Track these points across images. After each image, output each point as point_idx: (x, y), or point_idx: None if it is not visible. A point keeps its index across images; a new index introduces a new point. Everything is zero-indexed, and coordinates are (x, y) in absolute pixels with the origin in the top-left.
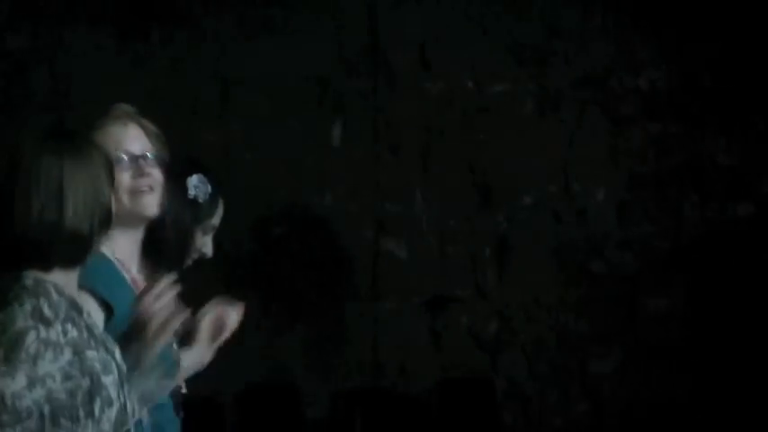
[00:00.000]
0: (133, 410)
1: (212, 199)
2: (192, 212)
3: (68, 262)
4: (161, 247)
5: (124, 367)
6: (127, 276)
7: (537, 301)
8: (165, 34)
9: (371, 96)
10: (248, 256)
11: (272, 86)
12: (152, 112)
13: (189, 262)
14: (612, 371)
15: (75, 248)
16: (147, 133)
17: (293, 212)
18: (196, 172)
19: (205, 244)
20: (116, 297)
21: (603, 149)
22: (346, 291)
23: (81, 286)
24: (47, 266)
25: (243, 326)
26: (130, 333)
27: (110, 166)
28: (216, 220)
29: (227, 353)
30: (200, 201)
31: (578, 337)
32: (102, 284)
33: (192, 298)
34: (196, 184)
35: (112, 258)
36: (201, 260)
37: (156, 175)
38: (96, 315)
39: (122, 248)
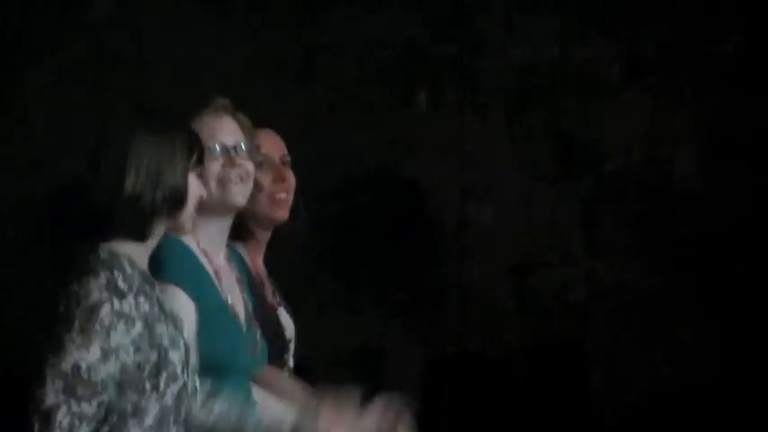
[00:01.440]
0: (195, 391)
1: None
2: None
3: (130, 233)
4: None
5: (190, 346)
6: (209, 267)
7: (623, 264)
8: (250, 2)
9: (457, 62)
10: (334, 224)
11: (357, 53)
12: (237, 77)
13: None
14: (699, 335)
15: (133, 221)
16: (242, 127)
17: (379, 179)
18: None
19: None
20: (199, 290)
21: (689, 115)
22: (433, 257)
23: (164, 278)
24: (113, 236)
25: (328, 291)
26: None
27: (190, 146)
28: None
29: (316, 321)
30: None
31: (665, 302)
32: (185, 277)
33: (279, 264)
34: None
35: (196, 249)
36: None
37: (247, 167)
38: (187, 307)
39: (209, 237)
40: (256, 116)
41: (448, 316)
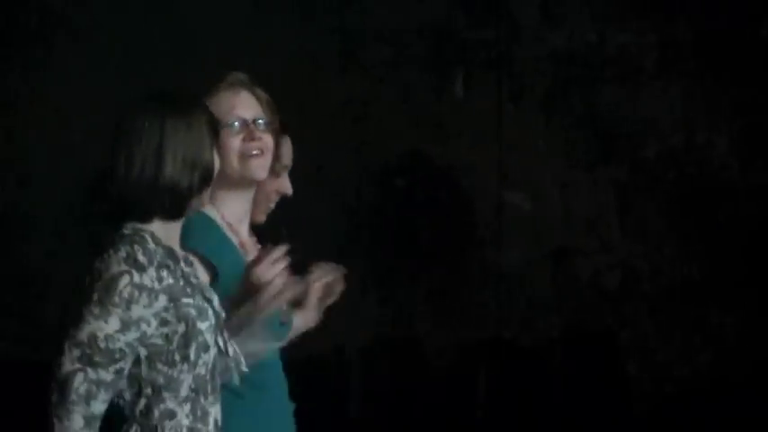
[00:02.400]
0: (236, 356)
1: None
2: None
3: (167, 215)
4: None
5: (223, 314)
6: (235, 239)
7: (660, 251)
8: None
9: (494, 48)
10: (371, 208)
11: (395, 38)
12: (274, 63)
13: (271, 206)
14: (737, 321)
15: (173, 203)
16: (259, 100)
17: (416, 164)
18: None
19: (281, 184)
20: (223, 260)
21: (726, 102)
22: (470, 242)
23: (189, 249)
24: (146, 219)
25: (366, 278)
26: (242, 296)
27: (213, 126)
28: (286, 160)
29: (352, 305)
30: None
31: (702, 288)
32: (210, 248)
33: (316, 249)
34: None
35: (221, 222)
36: (323, 209)
37: (266, 140)
38: (203, 277)
39: (232, 211)
40: (293, 102)
41: (484, 302)
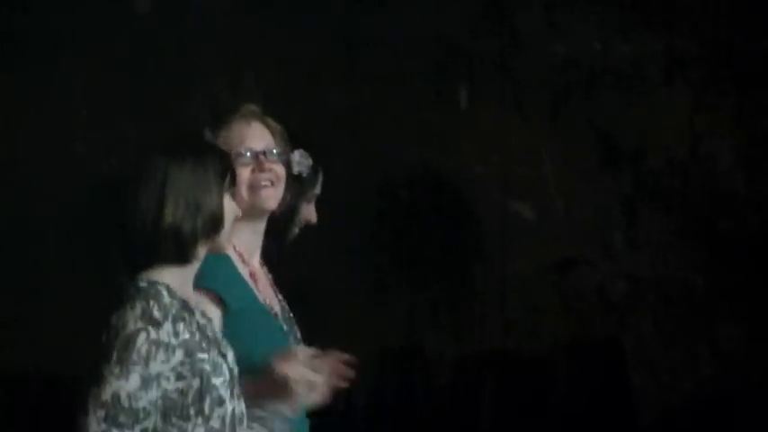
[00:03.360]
0: (242, 416)
1: (314, 171)
2: (296, 187)
3: (171, 261)
4: (269, 223)
5: (236, 370)
6: (244, 271)
7: (664, 261)
8: None
9: (498, 58)
10: (375, 219)
11: (399, 48)
12: (278, 74)
13: (295, 231)
14: (741, 331)
15: (175, 249)
16: (271, 131)
17: (420, 175)
18: (298, 147)
19: (310, 212)
20: (232, 293)
21: (731, 111)
22: (474, 253)
23: (197, 284)
24: (151, 265)
25: (369, 288)
26: (265, 389)
27: (223, 168)
28: (317, 189)
29: (357, 317)
30: (304, 175)
31: (706, 299)
32: (221, 282)
33: (320, 262)
34: (299, 160)
35: (232, 253)
36: (327, 221)
37: (277, 171)
38: (212, 312)
39: (243, 241)
40: (297, 112)
41: (489, 312)
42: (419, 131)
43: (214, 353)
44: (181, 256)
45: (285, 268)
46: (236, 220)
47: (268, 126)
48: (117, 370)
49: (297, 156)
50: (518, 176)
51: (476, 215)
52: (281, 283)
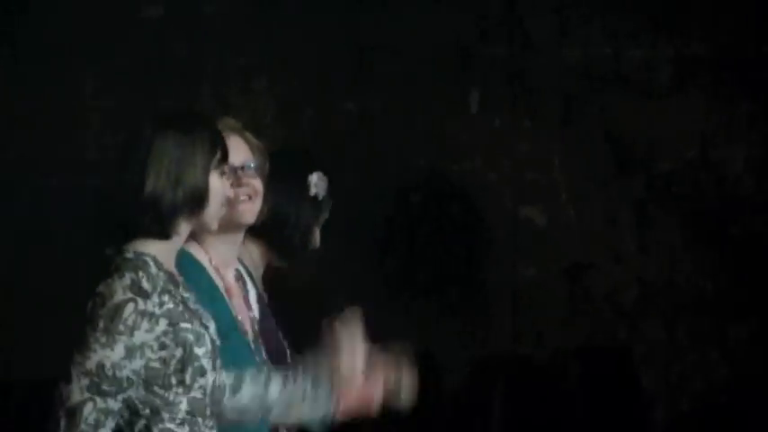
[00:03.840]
0: (223, 387)
1: (329, 194)
2: (314, 209)
3: (153, 234)
4: (285, 243)
5: (218, 342)
6: (221, 284)
7: (675, 266)
8: (303, 3)
9: (509, 63)
10: (387, 225)
11: (410, 54)
12: (289, 81)
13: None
14: (753, 335)
15: (154, 220)
16: (249, 145)
17: (432, 180)
18: (314, 170)
19: (316, 237)
20: (212, 307)
21: (741, 116)
22: (485, 258)
23: None
24: (133, 236)
25: (379, 293)
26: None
27: (212, 145)
28: (327, 213)
29: (367, 323)
30: (320, 198)
31: (717, 303)
32: (198, 294)
33: (331, 267)
34: (317, 182)
35: (209, 266)
36: (337, 226)
37: (255, 185)
38: None
39: (220, 255)
40: (309, 117)
41: (500, 317)
42: (430, 137)
43: (197, 323)
44: (161, 229)
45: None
46: (214, 231)
47: (247, 140)
48: (103, 339)
49: (315, 178)
50: (529, 182)
51: (487, 221)
52: (289, 287)
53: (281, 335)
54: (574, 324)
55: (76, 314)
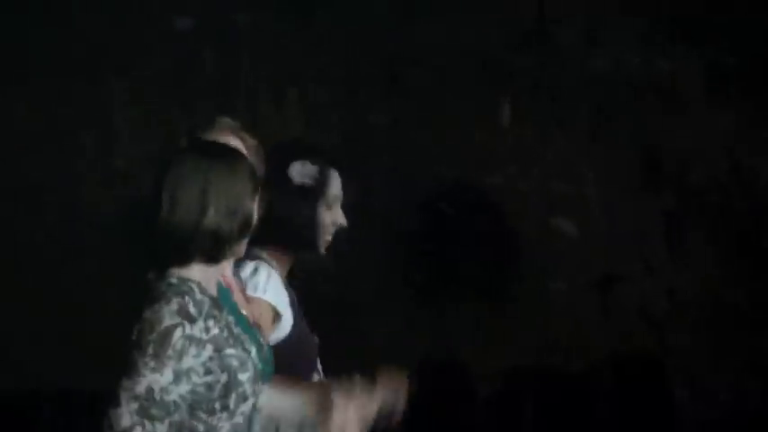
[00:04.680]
0: (258, 409)
1: (321, 174)
2: (305, 198)
3: (207, 260)
4: (293, 240)
5: (260, 366)
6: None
7: (706, 278)
8: (331, 15)
9: (539, 74)
10: (418, 235)
11: (440, 65)
12: (320, 92)
13: (328, 238)
14: None
15: (213, 247)
16: (247, 146)
17: (463, 191)
18: (298, 158)
19: (336, 215)
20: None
21: None
22: (516, 269)
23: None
24: (186, 263)
25: (412, 305)
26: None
27: (254, 177)
28: (335, 189)
29: (398, 333)
30: (309, 183)
31: (749, 315)
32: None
33: (361, 274)
34: (299, 170)
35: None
36: (369, 237)
37: None
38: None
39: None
40: (339, 129)
41: (531, 328)
42: (460, 148)
43: (240, 349)
44: (216, 255)
45: (325, 282)
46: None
47: (243, 140)
48: (152, 364)
49: (296, 167)
50: (560, 193)
51: (517, 231)
52: (320, 295)
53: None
54: (604, 336)
55: (106, 327)
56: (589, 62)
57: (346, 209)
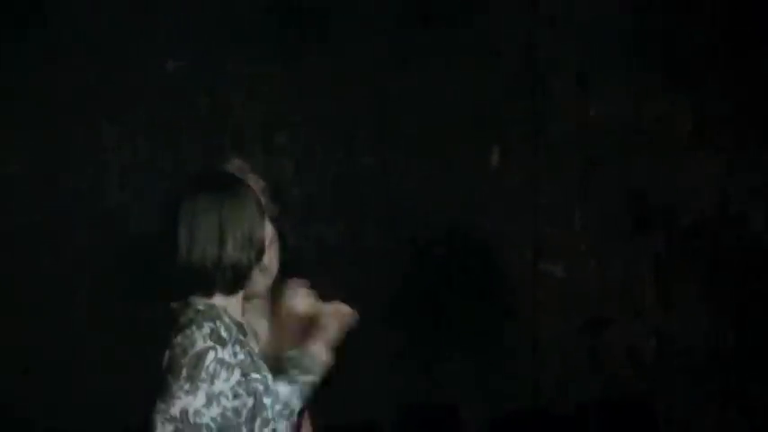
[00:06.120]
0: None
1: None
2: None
3: (229, 290)
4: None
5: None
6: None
7: (696, 321)
8: (322, 59)
9: (530, 118)
10: (407, 279)
11: (431, 109)
12: (309, 135)
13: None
14: None
15: (234, 278)
16: (256, 187)
17: (452, 235)
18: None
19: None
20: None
21: (761, 171)
22: (505, 312)
23: None
24: (209, 294)
25: (400, 347)
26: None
27: (260, 204)
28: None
29: (386, 375)
30: None
31: (737, 359)
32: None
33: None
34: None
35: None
36: (357, 279)
37: (268, 230)
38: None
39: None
40: (329, 171)
41: (521, 371)
42: (451, 192)
43: (264, 374)
44: (238, 285)
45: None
46: None
47: (253, 182)
48: (187, 386)
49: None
50: (549, 237)
51: (507, 275)
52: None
53: None
54: (594, 378)
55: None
56: (579, 107)
57: (335, 250)
